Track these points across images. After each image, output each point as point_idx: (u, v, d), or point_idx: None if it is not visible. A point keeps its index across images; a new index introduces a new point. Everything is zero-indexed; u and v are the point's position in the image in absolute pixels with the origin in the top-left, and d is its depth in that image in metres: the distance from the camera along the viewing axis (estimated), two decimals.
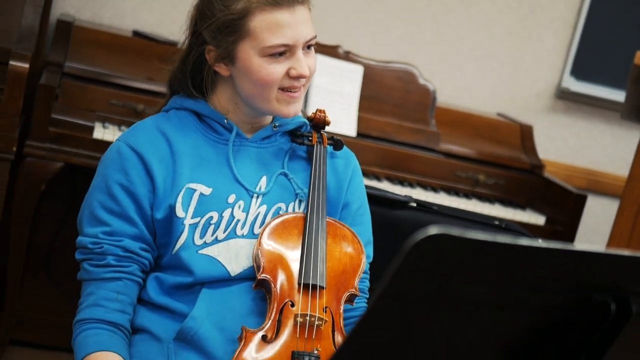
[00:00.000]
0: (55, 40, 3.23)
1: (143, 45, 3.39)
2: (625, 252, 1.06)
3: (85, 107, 3.09)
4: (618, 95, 4.09)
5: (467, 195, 3.49)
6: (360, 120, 3.40)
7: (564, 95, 4.14)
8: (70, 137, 2.99)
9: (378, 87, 3.50)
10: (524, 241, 0.96)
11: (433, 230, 0.92)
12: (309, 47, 1.93)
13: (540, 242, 0.98)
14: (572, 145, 4.21)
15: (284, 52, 1.88)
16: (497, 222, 2.70)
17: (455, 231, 0.89)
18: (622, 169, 4.10)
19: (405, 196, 2.70)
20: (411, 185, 3.41)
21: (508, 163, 3.63)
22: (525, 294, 1.04)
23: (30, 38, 3.03)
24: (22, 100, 2.88)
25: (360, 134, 3.40)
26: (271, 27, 1.86)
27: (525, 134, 3.75)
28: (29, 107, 3.06)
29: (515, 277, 0.99)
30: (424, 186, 3.44)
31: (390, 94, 3.53)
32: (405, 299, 0.97)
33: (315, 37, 1.93)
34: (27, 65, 2.87)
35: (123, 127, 3.09)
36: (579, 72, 4.10)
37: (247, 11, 1.86)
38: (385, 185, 3.28)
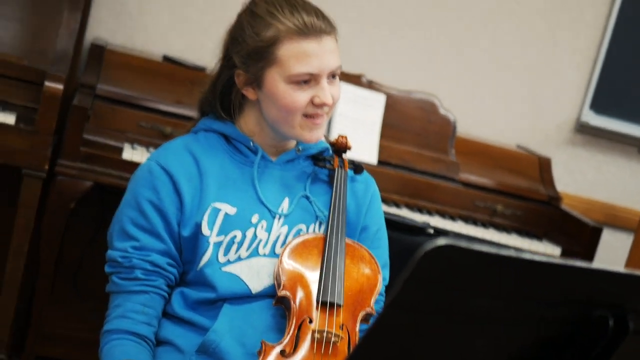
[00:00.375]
0: (88, 63, 3.34)
1: (172, 70, 3.49)
2: (625, 271, 1.13)
3: (115, 128, 3.19)
4: (636, 130, 4.15)
5: (485, 224, 3.55)
6: (381, 148, 3.49)
7: (583, 129, 4.21)
8: (100, 157, 3.09)
9: (399, 116, 3.58)
10: (528, 255, 1.03)
11: (442, 241, 1.00)
12: (333, 76, 2.01)
13: (543, 258, 1.05)
14: (590, 178, 4.27)
15: (308, 80, 1.96)
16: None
17: (463, 243, 0.97)
18: (639, 204, 4.16)
19: (423, 223, 2.78)
20: (430, 213, 3.48)
21: (526, 194, 3.70)
22: (529, 308, 1.11)
23: (64, 60, 3.13)
24: (56, 121, 2.99)
25: (380, 162, 3.48)
26: (298, 55, 1.94)
27: (543, 166, 3.82)
28: (61, 128, 3.15)
29: (519, 290, 1.07)
30: (443, 214, 3.51)
31: (412, 123, 3.61)
32: (413, 308, 1.04)
33: (340, 66, 2.01)
34: (61, 87, 2.98)
35: (151, 149, 3.18)
36: (598, 106, 4.17)
37: (276, 39, 1.95)
38: (405, 213, 3.35)
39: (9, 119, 2.97)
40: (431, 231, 2.74)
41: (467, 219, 3.55)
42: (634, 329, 1.18)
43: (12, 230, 3.02)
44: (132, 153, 3.13)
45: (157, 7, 3.74)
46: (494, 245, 2.87)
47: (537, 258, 1.05)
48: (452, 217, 3.51)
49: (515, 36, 4.09)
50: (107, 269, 2.01)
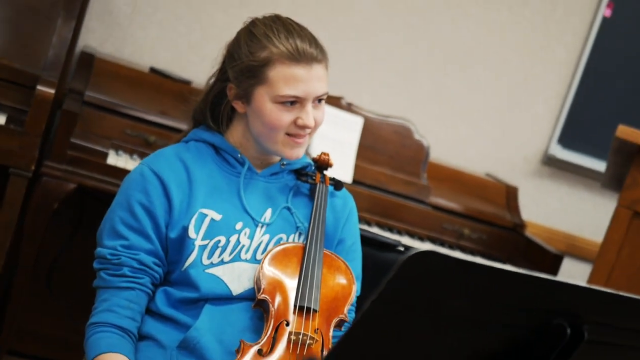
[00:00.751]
0: (77, 70, 3.44)
1: (159, 82, 3.59)
2: (584, 284, 1.26)
3: (101, 134, 3.29)
4: (600, 166, 4.32)
5: (452, 246, 3.69)
6: (356, 168, 3.62)
7: (550, 162, 4.37)
8: (85, 160, 3.18)
9: (375, 139, 3.71)
10: (499, 265, 1.16)
11: (424, 247, 1.12)
12: (319, 100, 2.13)
13: (512, 268, 1.18)
14: (554, 209, 4.43)
15: (294, 102, 2.08)
16: None
17: (442, 250, 1.09)
18: (599, 235, 4.32)
19: (395, 240, 2.90)
20: (399, 233, 3.61)
21: (492, 220, 3.84)
22: (496, 312, 1.24)
23: (56, 66, 3.23)
24: (45, 124, 3.09)
25: (355, 181, 3.61)
26: (287, 78, 2.06)
27: (510, 194, 3.97)
28: (47, 130, 3.25)
29: (488, 296, 1.20)
30: (412, 235, 3.64)
31: (387, 146, 3.74)
32: (394, 305, 1.17)
33: (326, 93, 2.13)
34: (53, 91, 3.07)
35: (135, 156, 3.29)
36: (565, 140, 4.34)
37: (269, 61, 2.07)
38: (375, 231, 3.47)
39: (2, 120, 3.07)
40: (402, 249, 2.86)
41: (434, 240, 3.68)
42: (589, 338, 1.31)
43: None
44: (116, 159, 3.24)
45: (146, 20, 3.86)
46: None
47: (507, 268, 1.18)
48: (421, 238, 3.64)
49: (490, 69, 4.25)
50: (95, 265, 2.11)
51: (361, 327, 1.17)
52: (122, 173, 3.18)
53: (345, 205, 2.30)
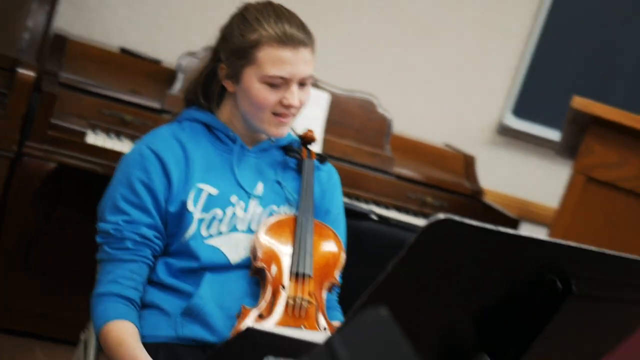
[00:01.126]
0: (51, 52, 3.53)
1: (129, 62, 3.70)
2: (571, 243, 1.43)
3: (78, 114, 3.39)
4: (552, 134, 4.53)
5: (416, 213, 3.87)
6: (324, 142, 3.77)
7: (504, 131, 4.57)
8: (65, 140, 3.28)
9: (341, 113, 3.87)
10: (503, 229, 1.33)
11: (441, 215, 1.28)
12: (304, 83, 2.28)
13: (513, 231, 1.35)
14: (509, 176, 4.63)
15: (280, 83, 2.22)
16: None
17: (457, 217, 1.26)
18: (550, 201, 4.53)
19: (367, 209, 3.07)
20: (366, 202, 3.78)
21: (452, 188, 4.03)
22: (500, 270, 1.41)
23: (33, 49, 3.33)
24: (26, 106, 3.19)
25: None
26: (274, 60, 2.20)
27: (468, 163, 4.16)
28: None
29: (496, 256, 1.36)
30: (378, 204, 3.81)
31: (352, 120, 3.89)
32: (413, 266, 1.33)
33: (311, 75, 2.28)
34: (33, 74, 3.17)
35: (111, 134, 3.40)
36: (519, 111, 4.55)
37: (258, 43, 2.21)
38: (344, 201, 3.63)
39: None
40: (374, 217, 3.02)
41: (399, 209, 3.86)
42: (576, 291, 1.48)
43: None
44: (94, 138, 3.34)
45: (114, 1, 3.95)
46: None
47: (510, 231, 1.34)
48: (387, 207, 3.81)
49: (447, 43, 4.43)
50: (98, 239, 2.23)
51: (384, 286, 1.32)
52: (100, 151, 3.30)
53: (330, 178, 2.46)
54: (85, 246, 2.60)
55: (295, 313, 2.14)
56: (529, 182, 4.67)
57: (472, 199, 4.04)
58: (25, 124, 3.29)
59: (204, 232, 2.23)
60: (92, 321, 2.19)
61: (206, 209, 2.23)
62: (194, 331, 2.16)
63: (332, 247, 2.31)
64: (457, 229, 1.28)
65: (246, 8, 2.28)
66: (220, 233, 2.24)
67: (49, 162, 3.28)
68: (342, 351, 0.93)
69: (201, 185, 2.24)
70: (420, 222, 3.77)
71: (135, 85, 3.59)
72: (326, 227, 2.34)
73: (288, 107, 2.25)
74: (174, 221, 2.23)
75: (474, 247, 1.33)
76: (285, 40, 2.20)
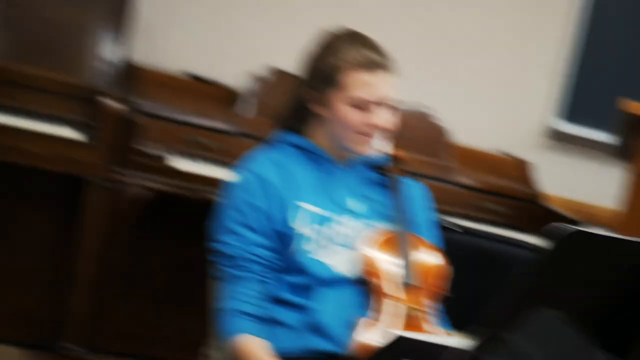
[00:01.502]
0: (126, 81, 3.72)
1: (197, 86, 3.90)
2: None
3: (159, 140, 3.56)
4: (601, 136, 4.69)
5: (479, 220, 4.03)
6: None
7: (553, 135, 4.73)
8: (151, 166, 3.46)
9: (401, 126, 4.02)
10: (626, 237, 1.50)
11: (571, 228, 1.46)
12: (389, 106, 2.45)
13: (633, 239, 1.52)
14: (560, 179, 4.77)
15: (366, 105, 2.41)
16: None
17: (586, 229, 1.43)
18: (604, 202, 4.67)
19: (452, 223, 3.23)
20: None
21: (511, 193, 4.20)
22: (617, 273, 1.58)
23: (111, 78, 3.54)
24: (112, 134, 3.38)
25: None
26: (361, 85, 2.38)
27: (523, 168, 4.32)
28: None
29: (618, 261, 1.54)
30: (441, 212, 3.96)
31: (409, 131, 4.01)
32: (544, 272, 1.51)
33: (395, 99, 2.46)
34: (118, 104, 3.37)
35: (197, 159, 3.59)
36: (568, 114, 4.73)
37: (345, 68, 2.39)
38: None
39: (71, 133, 3.35)
40: (459, 229, 3.18)
41: (462, 216, 4.01)
42: None
43: (78, 234, 3.41)
44: (182, 163, 3.52)
45: (180, 28, 4.15)
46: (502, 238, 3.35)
47: (630, 238, 1.52)
48: (450, 214, 3.96)
49: (491, 51, 4.61)
50: (212, 258, 2.41)
51: (517, 291, 1.49)
52: (188, 177, 3.50)
53: (421, 193, 2.64)
54: (184, 267, 2.77)
55: (405, 322, 2.32)
56: (580, 184, 4.81)
57: (531, 203, 4.20)
58: (113, 152, 3.49)
59: (308, 248, 2.40)
60: (219, 334, 2.39)
61: (308, 225, 2.41)
62: (318, 343, 2.33)
63: (435, 258, 2.49)
64: (587, 239, 1.45)
65: (330, 35, 2.46)
66: (325, 248, 2.41)
67: (141, 188, 3.45)
68: (528, 347, 1.10)
69: (302, 204, 2.41)
70: (484, 228, 3.92)
71: (206, 109, 3.77)
72: (424, 239, 2.52)
73: (373, 127, 2.42)
74: (280, 239, 2.40)
75: (600, 256, 1.50)
76: (370, 66, 2.38)
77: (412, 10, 4.47)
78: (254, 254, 2.38)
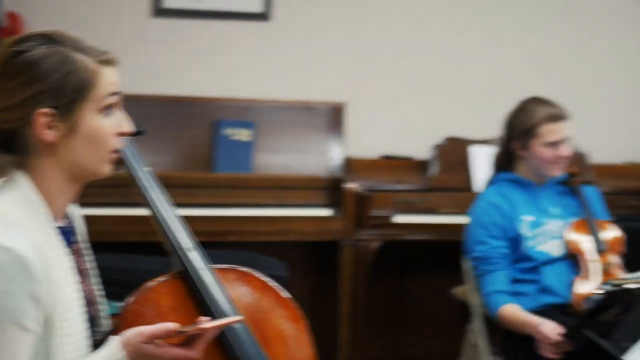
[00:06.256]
0: (347, 168, 5.05)
1: (392, 163, 5.22)
2: None
3: (381, 206, 4.87)
4: None
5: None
6: None
7: None
8: (383, 224, 4.79)
9: None
10: None
11: None
12: (567, 141, 3.68)
13: None
14: None
15: (554, 144, 3.62)
16: None
17: None
18: None
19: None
20: None
21: None
22: None
23: (341, 169, 4.90)
24: (357, 207, 4.73)
25: None
26: (550, 133, 3.61)
27: None
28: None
29: None
30: None
31: None
32: None
33: (569, 136, 3.68)
34: (356, 188, 4.72)
35: (409, 214, 4.88)
36: None
37: (538, 124, 3.62)
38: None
39: (326, 212, 4.72)
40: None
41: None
42: None
43: (337, 282, 4.77)
44: (399, 218, 4.82)
45: (373, 123, 5.42)
46: None
47: None
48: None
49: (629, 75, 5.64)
50: (472, 262, 3.68)
51: None
52: (406, 227, 4.82)
53: (596, 194, 3.88)
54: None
55: (605, 274, 3.56)
56: None
57: None
58: (355, 220, 4.82)
59: (532, 243, 3.64)
60: (488, 309, 3.63)
61: (530, 229, 3.66)
62: (549, 299, 3.56)
63: (614, 232, 3.72)
64: None
65: (523, 102, 3.70)
66: (544, 242, 3.65)
67: (376, 242, 4.79)
68: None
69: (524, 217, 3.67)
70: None
71: (406, 177, 5.08)
72: (604, 221, 3.77)
73: (562, 157, 3.65)
74: (512, 241, 3.66)
75: None
76: (554, 118, 3.63)
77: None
78: (500, 254, 3.61)
